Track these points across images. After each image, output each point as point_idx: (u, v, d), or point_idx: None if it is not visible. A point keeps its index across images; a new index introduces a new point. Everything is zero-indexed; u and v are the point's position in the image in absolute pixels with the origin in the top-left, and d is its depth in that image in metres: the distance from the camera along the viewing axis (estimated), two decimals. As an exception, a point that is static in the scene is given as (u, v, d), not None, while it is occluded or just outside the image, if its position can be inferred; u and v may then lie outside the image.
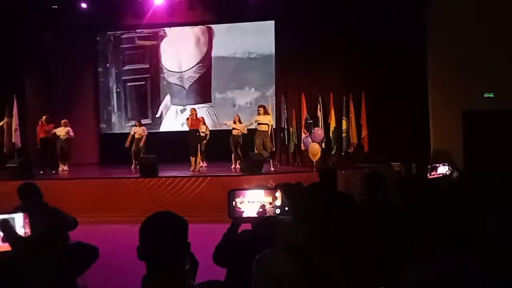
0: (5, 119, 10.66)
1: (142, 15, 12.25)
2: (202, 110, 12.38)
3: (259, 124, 9.71)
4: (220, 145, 10.66)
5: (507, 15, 9.43)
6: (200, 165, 10.32)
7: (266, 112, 9.78)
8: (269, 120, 9.79)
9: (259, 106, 9.95)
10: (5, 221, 2.85)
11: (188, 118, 10.22)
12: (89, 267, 4.09)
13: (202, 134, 10.35)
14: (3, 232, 2.87)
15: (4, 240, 2.88)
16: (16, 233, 2.97)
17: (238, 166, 10.15)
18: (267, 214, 1.58)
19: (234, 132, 10.21)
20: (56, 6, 11.99)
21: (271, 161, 9.95)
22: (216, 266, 2.72)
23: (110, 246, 5.59)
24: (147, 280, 1.60)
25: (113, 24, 12.86)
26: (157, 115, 13.18)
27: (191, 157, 10.05)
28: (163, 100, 13.14)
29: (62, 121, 10.77)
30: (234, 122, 10.26)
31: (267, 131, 9.71)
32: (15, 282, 3.20)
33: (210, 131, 11.18)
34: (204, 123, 10.62)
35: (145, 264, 1.61)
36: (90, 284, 4.19)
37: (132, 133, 11.10)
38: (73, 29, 12.23)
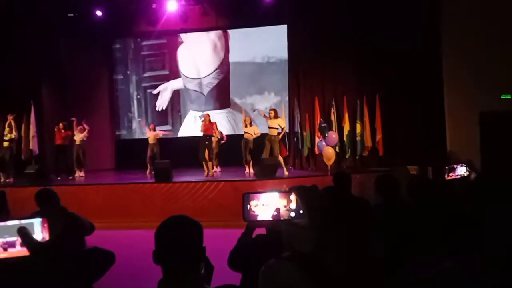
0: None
1: (156, 21, 12.36)
2: (221, 116, 12.47)
3: (268, 128, 9.70)
4: (234, 150, 10.67)
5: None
6: (214, 170, 10.32)
7: (276, 116, 9.73)
8: (279, 123, 9.69)
9: (270, 110, 9.93)
10: (23, 228, 2.92)
11: (203, 123, 10.26)
12: (105, 272, 4.13)
13: (214, 139, 10.37)
14: (20, 238, 2.93)
15: (22, 245, 2.94)
16: (33, 239, 3.03)
17: (252, 170, 10.12)
18: (282, 218, 1.57)
19: (246, 135, 10.19)
20: (72, 14, 12.19)
21: (284, 165, 9.90)
22: (231, 271, 2.72)
23: (126, 251, 5.64)
24: (163, 285, 1.61)
25: (127, 31, 13.02)
26: (154, 92, 13.32)
27: (203, 162, 10.08)
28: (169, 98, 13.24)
29: (78, 127, 10.92)
30: (245, 126, 10.23)
31: (276, 135, 9.68)
32: (33, 286, 3.25)
33: (228, 135, 11.25)
34: (217, 128, 10.65)
35: (161, 268, 1.62)
36: (107, 289, 4.22)
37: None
38: (88, 36, 12.42)
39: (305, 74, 11.46)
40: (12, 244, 2.90)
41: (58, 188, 6.74)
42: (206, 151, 10.03)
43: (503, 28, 9.42)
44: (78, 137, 10.83)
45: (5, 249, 2.87)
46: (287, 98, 12.01)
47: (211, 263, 1.96)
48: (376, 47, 10.49)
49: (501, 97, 9.61)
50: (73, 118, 10.92)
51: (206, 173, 10.02)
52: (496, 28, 9.44)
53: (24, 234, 2.92)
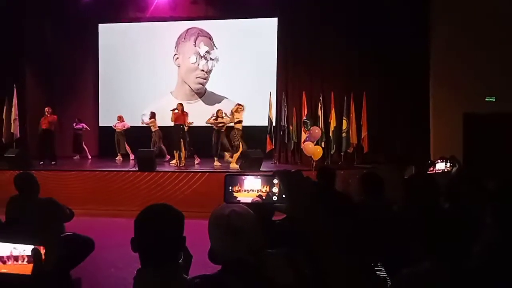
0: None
1: (144, 8, 12.21)
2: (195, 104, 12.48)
3: (237, 123, 9.87)
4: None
5: (510, 18, 9.43)
6: (183, 161, 10.15)
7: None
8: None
9: (240, 104, 10.03)
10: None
11: (173, 112, 10.08)
12: (83, 259, 4.07)
13: (186, 128, 10.21)
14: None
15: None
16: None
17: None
18: (263, 200, 1.54)
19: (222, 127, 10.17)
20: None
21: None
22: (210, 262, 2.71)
23: (106, 239, 5.57)
24: (141, 273, 1.59)
25: (115, 17, 12.80)
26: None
27: (174, 152, 10.08)
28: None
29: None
30: (216, 118, 10.11)
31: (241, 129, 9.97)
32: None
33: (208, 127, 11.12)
34: (187, 117, 10.44)
35: (139, 257, 1.60)
36: (84, 276, 4.16)
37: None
38: (74, 20, 12.20)
39: (294, 69, 11.44)
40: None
41: (38, 173, 6.66)
42: (182, 140, 9.96)
43: (490, 30, 9.52)
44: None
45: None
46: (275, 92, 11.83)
47: (190, 253, 1.94)
48: (365, 44, 10.53)
49: (486, 100, 9.74)
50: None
51: (177, 162, 9.93)
52: (483, 31, 9.54)
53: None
